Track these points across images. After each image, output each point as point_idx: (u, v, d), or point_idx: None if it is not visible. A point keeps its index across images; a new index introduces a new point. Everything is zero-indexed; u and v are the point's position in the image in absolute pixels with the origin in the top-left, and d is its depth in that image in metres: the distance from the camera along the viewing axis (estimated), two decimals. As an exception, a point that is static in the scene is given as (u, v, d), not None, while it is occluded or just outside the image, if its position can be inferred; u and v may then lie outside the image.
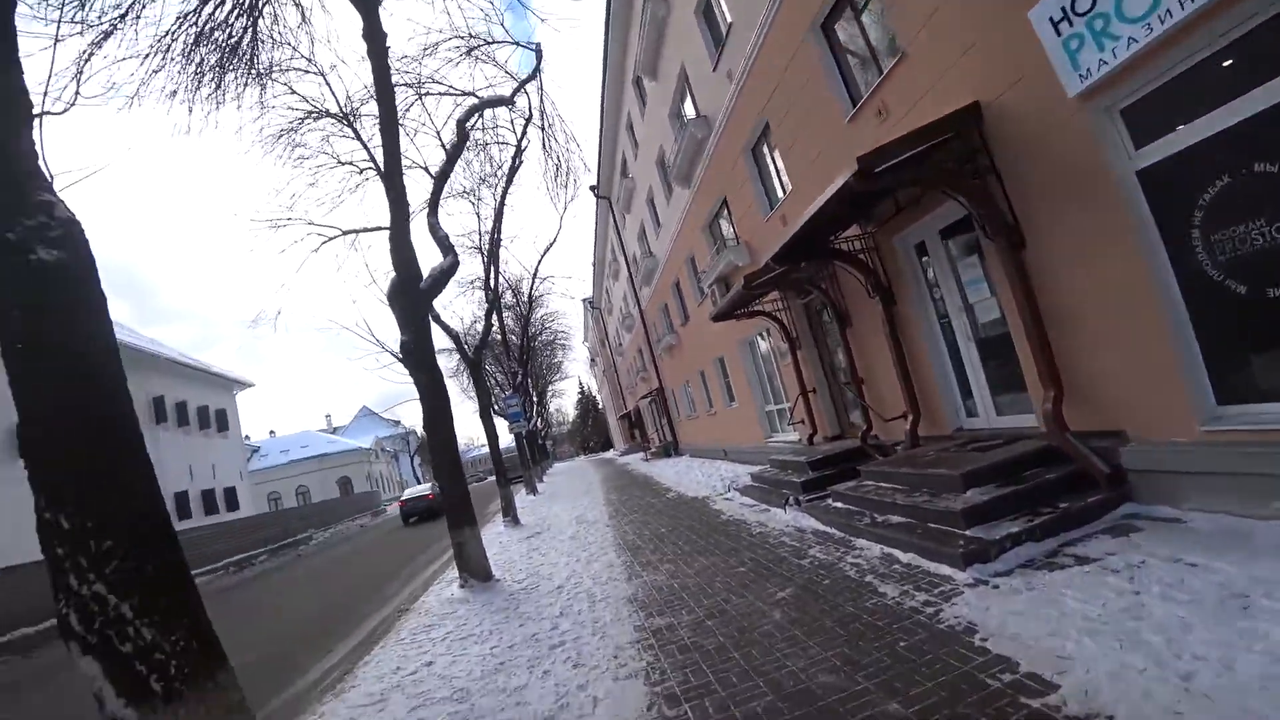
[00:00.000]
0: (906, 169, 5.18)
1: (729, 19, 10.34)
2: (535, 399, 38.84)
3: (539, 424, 42.57)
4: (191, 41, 7.88)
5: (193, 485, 26.39)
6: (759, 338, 12.99)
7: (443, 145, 11.50)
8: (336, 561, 17.25)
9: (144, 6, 7.09)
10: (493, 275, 16.32)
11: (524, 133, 13.35)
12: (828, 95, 7.63)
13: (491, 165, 14.40)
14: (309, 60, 10.15)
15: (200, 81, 8.29)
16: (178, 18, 7.68)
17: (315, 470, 52.39)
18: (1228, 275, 3.86)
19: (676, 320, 20.03)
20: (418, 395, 7.95)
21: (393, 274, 8.03)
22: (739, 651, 3.84)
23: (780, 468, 9.31)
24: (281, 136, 10.97)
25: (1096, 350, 4.79)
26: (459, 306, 47.25)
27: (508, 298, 25.16)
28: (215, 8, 7.79)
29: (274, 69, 9.54)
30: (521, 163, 13.96)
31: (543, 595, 6.42)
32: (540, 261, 28.65)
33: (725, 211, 12.94)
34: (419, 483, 38.04)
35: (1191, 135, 3.87)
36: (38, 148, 2.80)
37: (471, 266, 22.65)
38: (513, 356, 25.71)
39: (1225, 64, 3.68)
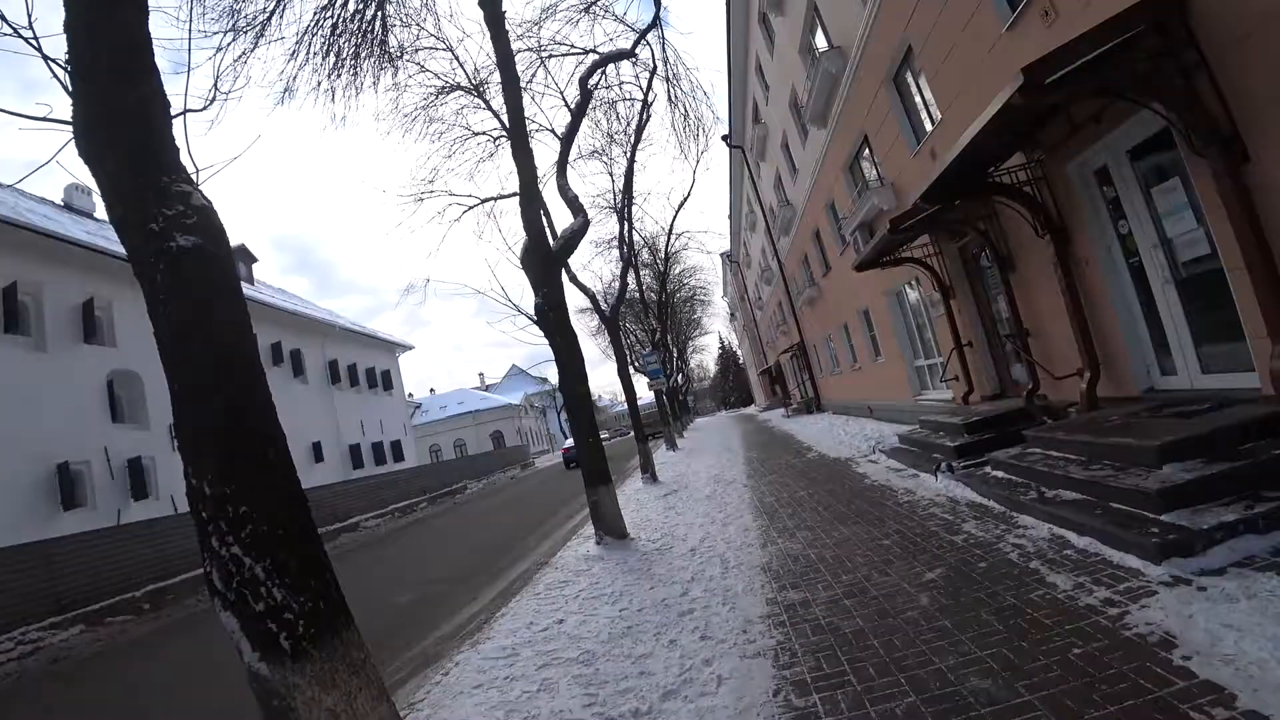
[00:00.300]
0: (1085, 76, 4.33)
1: (865, -68, 9.32)
2: (675, 355, 38.98)
3: (679, 380, 42.78)
4: (329, 33, 8.26)
5: (364, 439, 29.04)
6: (907, 287, 12.00)
7: (567, 106, 11.42)
8: (488, 511, 18.36)
9: (285, 8, 7.48)
10: (627, 233, 16.23)
11: (649, 86, 13.00)
12: (980, 2, 6.63)
13: (620, 122, 14.21)
14: (436, 37, 10.34)
15: (340, 71, 8.70)
16: (315, 13, 8.07)
17: (470, 425, 56.14)
18: None
19: (817, 271, 19.06)
20: (554, 357, 8.04)
21: (524, 238, 8.11)
22: (879, 639, 3.47)
23: (931, 429, 8.57)
24: (418, 114, 11.39)
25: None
26: (597, 266, 48.18)
27: (644, 255, 25.14)
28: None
29: (404, 51, 9.86)
30: (649, 117, 13.65)
31: (676, 557, 6.33)
32: (675, 217, 28.17)
33: (866, 150, 11.92)
34: (566, 437, 40.15)
35: None
36: (179, 143, 2.93)
37: (608, 226, 22.77)
38: (651, 313, 25.74)
39: None
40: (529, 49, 11.08)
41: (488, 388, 69.05)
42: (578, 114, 9.75)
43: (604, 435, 38.02)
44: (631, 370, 27.26)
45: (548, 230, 10.55)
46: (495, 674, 4.23)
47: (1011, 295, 7.57)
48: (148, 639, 9.73)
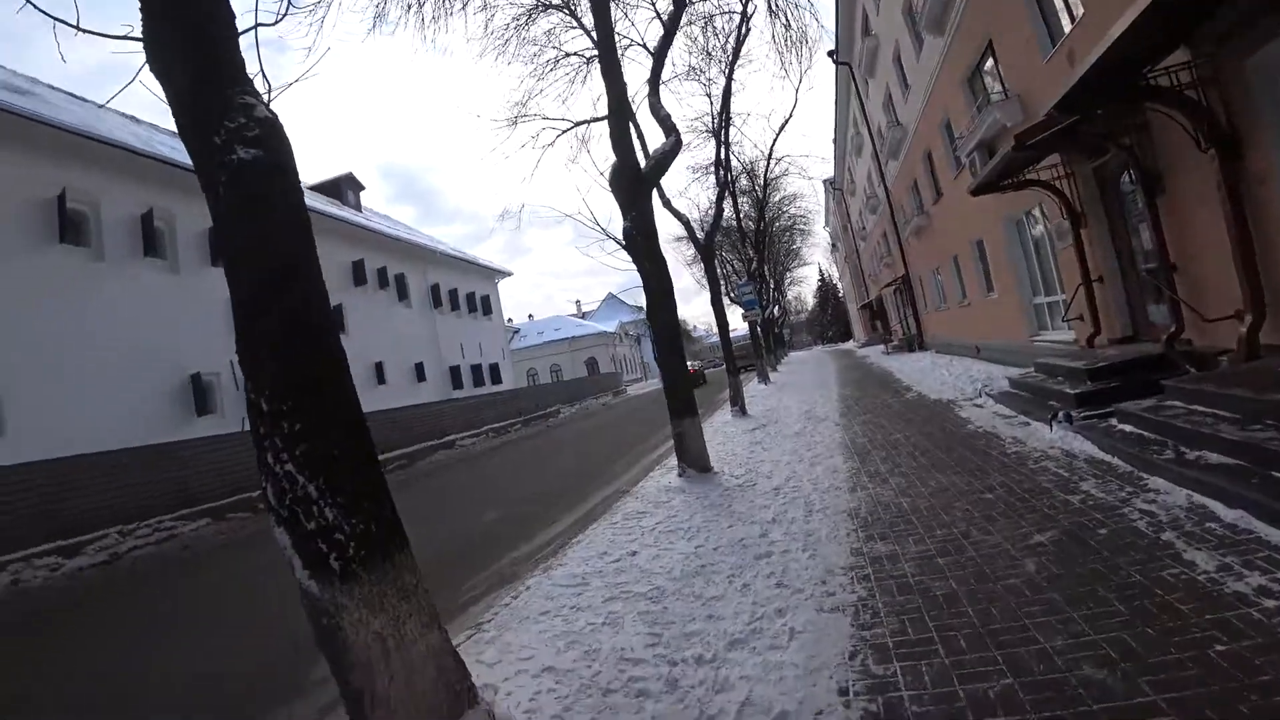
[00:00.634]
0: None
1: None
2: (771, 286, 37.86)
3: (774, 313, 41.72)
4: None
5: (464, 361, 30.09)
6: (1028, 215, 10.82)
7: (660, 18, 10.68)
8: (578, 435, 18.70)
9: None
10: (724, 157, 15.46)
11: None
12: None
13: (718, 38, 13.31)
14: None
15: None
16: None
17: (566, 351, 57.26)
18: None
19: (927, 198, 17.64)
20: (641, 283, 7.76)
21: (613, 159, 7.75)
22: (974, 606, 3.10)
23: (1048, 373, 7.79)
24: (509, 35, 11.01)
25: None
26: (694, 193, 46.75)
27: (743, 182, 24.12)
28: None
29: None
30: (748, 31, 12.73)
31: (758, 495, 6.08)
32: (775, 141, 26.76)
33: (990, 59, 10.61)
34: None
35: None
36: (251, 61, 3.03)
37: (705, 151, 21.85)
38: (748, 243, 24.87)
39: None
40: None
41: (584, 315, 70.00)
42: (670, 27, 9.10)
43: (696, 365, 38.40)
44: (726, 301, 26.73)
45: (639, 151, 10.14)
46: (563, 602, 4.17)
47: (1158, 223, 6.56)
48: (261, 535, 10.53)
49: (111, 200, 14.75)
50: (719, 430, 11.12)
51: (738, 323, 27.24)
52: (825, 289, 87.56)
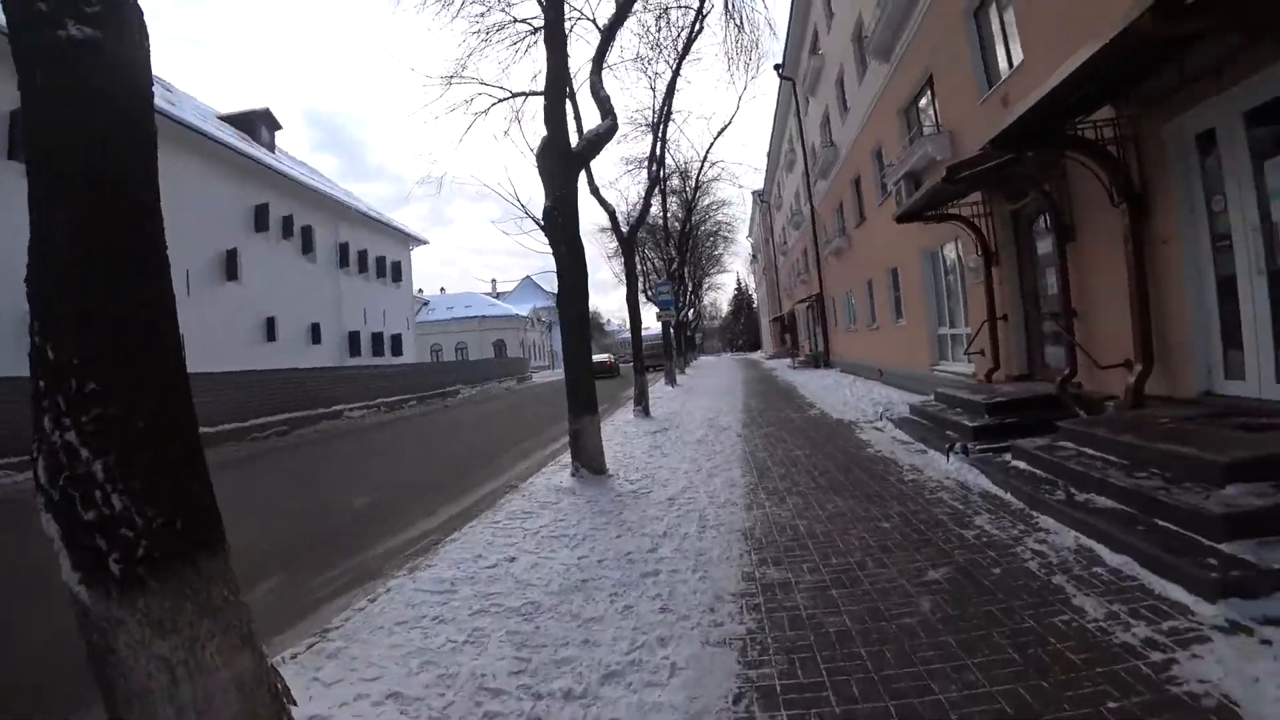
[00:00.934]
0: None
1: None
2: (689, 289, 38.05)
3: (689, 315, 42.01)
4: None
5: (365, 328, 28.68)
6: (945, 249, 11.12)
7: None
8: (475, 418, 18.02)
9: None
10: (660, 150, 15.18)
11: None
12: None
13: (672, 31, 13.03)
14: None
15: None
16: None
17: (475, 330, 55.62)
18: None
19: (850, 221, 18.04)
20: (555, 268, 7.34)
21: (545, 133, 7.30)
22: (867, 647, 2.93)
23: (947, 404, 7.94)
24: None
25: None
26: (624, 185, 46.44)
27: (674, 182, 23.99)
28: None
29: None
30: (702, 30, 12.51)
31: (651, 504, 5.81)
32: (712, 144, 26.89)
33: (928, 93, 10.84)
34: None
35: None
36: None
37: (641, 146, 21.55)
38: (672, 242, 24.78)
39: None
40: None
41: (498, 295, 68.30)
42: (625, 4, 8.70)
43: (611, 357, 38.45)
44: (643, 299, 26.54)
45: (573, 131, 9.72)
46: (425, 611, 3.74)
47: (1065, 269, 6.77)
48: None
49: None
50: (619, 430, 10.85)
51: (652, 321, 27.17)
52: (741, 298, 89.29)
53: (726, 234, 40.54)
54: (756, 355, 53.96)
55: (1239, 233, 4.88)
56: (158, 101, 16.90)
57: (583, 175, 13.23)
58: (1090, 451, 4.80)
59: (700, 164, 21.17)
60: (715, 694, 2.67)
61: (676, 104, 14.88)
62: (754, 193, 45.20)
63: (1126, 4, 3.82)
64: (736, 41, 11.84)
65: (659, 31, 12.96)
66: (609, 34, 8.58)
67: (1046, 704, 2.36)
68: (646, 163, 15.81)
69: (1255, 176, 4.71)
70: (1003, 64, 8.14)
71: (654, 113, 14.63)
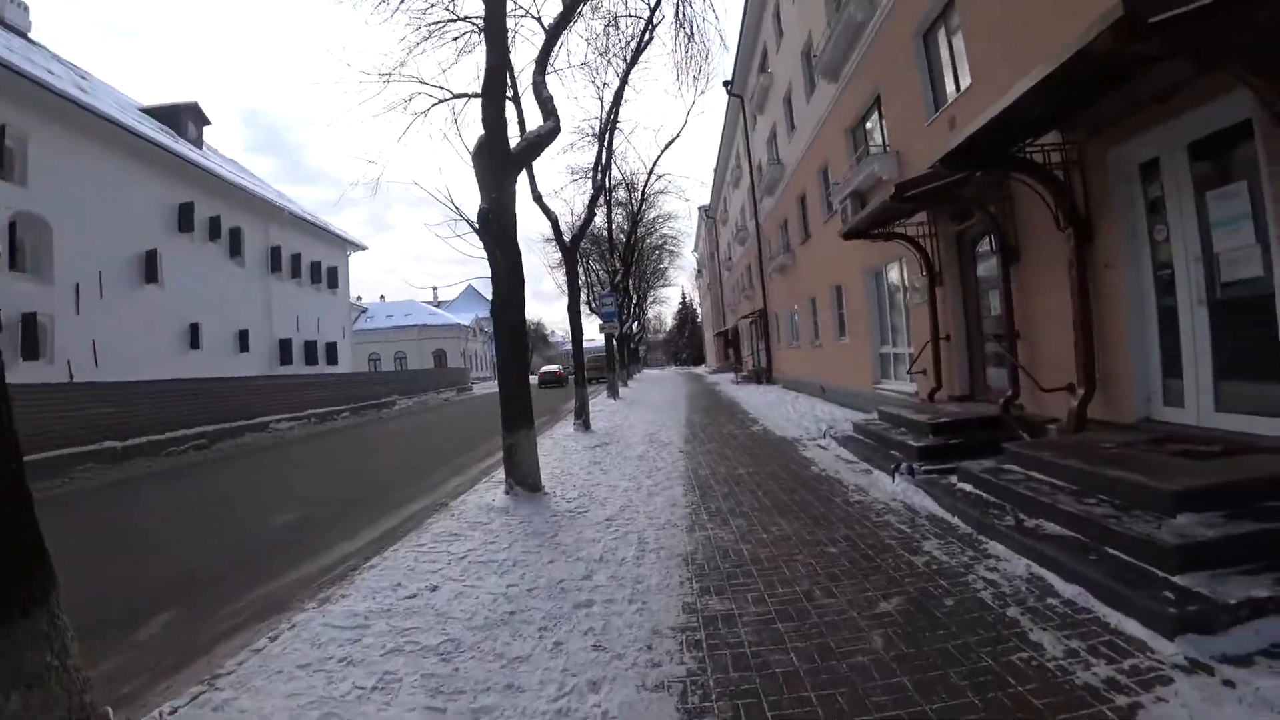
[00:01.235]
0: (1215, 23, 3.38)
1: None
2: (634, 301, 37.91)
3: (633, 328, 41.87)
4: None
5: (298, 335, 27.42)
6: (889, 268, 11.19)
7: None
8: (409, 431, 17.31)
9: None
10: (606, 161, 14.94)
11: (658, 2, 11.73)
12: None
13: (621, 39, 12.84)
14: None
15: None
16: None
17: (414, 339, 54.14)
18: None
19: (795, 239, 18.17)
20: (490, 274, 6.95)
21: (483, 132, 6.94)
22: (818, 691, 2.68)
23: (891, 422, 7.87)
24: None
25: None
26: (569, 194, 45.87)
27: (620, 194, 23.81)
28: None
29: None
30: (651, 39, 12.38)
31: (588, 526, 5.48)
32: (659, 156, 26.73)
33: (876, 113, 10.93)
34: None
35: None
36: None
37: (588, 156, 21.31)
38: (617, 254, 24.57)
39: None
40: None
41: (440, 304, 66.77)
42: (572, 3, 8.42)
43: (559, 368, 38.08)
44: (587, 310, 26.21)
45: (517, 135, 9.39)
46: (332, 651, 3.33)
47: (1009, 291, 6.79)
48: None
49: None
50: (559, 444, 10.49)
51: (595, 333, 26.87)
52: (685, 312, 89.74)
53: (672, 248, 40.63)
54: (700, 369, 54.18)
55: (1180, 262, 4.91)
56: (66, 87, 15.96)
57: (525, 181, 12.91)
58: (1037, 475, 4.71)
59: (647, 176, 21.07)
60: (651, 750, 2.38)
61: (626, 115, 14.72)
62: (700, 208, 45.58)
63: (1072, 34, 3.79)
64: (686, 51, 11.72)
65: (608, 38, 12.77)
66: (554, 34, 8.31)
67: (1012, 758, 2.15)
68: (591, 172, 15.57)
69: (1197, 207, 4.74)
70: (950, 87, 8.21)
71: (601, 121, 14.40)
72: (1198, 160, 4.74)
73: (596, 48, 13.19)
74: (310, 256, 29.45)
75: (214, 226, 22.22)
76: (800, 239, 17.54)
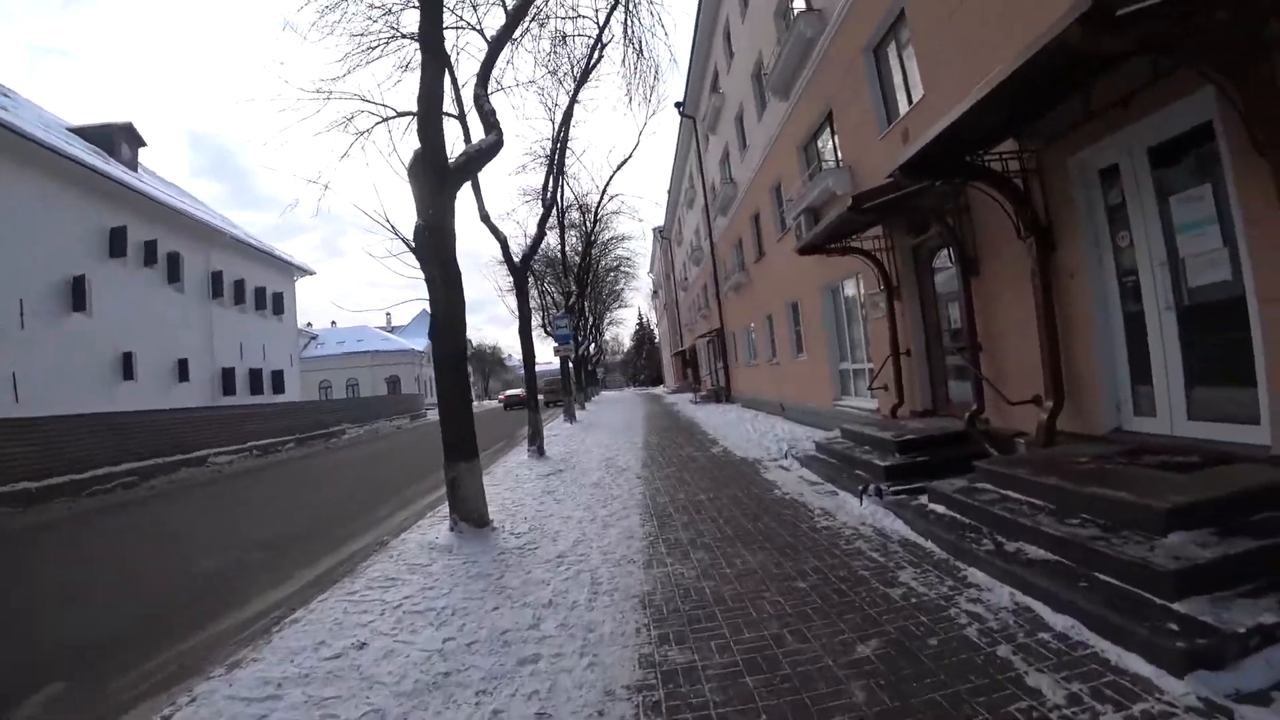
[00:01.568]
0: (1180, 16, 3.22)
1: None
2: (590, 323, 37.55)
3: (590, 350, 41.52)
4: None
5: (241, 364, 26.23)
6: (846, 283, 11.06)
7: (503, 3, 9.77)
8: (358, 461, 16.50)
9: None
10: (553, 180, 14.61)
11: (607, 19, 11.55)
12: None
13: (570, 61, 12.61)
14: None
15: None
16: None
17: (367, 366, 52.65)
18: None
19: (750, 257, 18.08)
20: (427, 295, 6.49)
21: (419, 146, 6.54)
22: (794, 760, 2.31)
23: (855, 440, 7.63)
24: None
25: None
26: (522, 216, 45.13)
27: (574, 214, 23.53)
28: None
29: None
30: (601, 58, 12.19)
31: (537, 564, 5.03)
32: (612, 176, 26.51)
33: (828, 128, 10.85)
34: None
35: None
36: None
37: (541, 176, 20.94)
38: (571, 275, 24.21)
39: None
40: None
41: (393, 329, 65.25)
42: (515, 15, 8.10)
43: (521, 392, 37.67)
44: (544, 332, 25.71)
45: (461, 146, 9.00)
46: (229, 731, 2.83)
47: (970, 303, 6.62)
48: None
49: None
50: (510, 472, 9.99)
51: (551, 356, 26.39)
52: (642, 333, 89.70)
53: (628, 269, 40.54)
54: (659, 390, 53.91)
55: (1145, 268, 4.76)
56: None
57: (472, 201, 12.48)
58: (1014, 495, 4.45)
59: (600, 196, 20.85)
60: None
61: (579, 135, 14.49)
62: (655, 229, 45.67)
63: (1023, 43, 3.64)
64: (636, 68, 11.55)
65: (557, 57, 12.51)
66: (497, 45, 7.96)
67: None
68: (541, 191, 15.25)
69: (1161, 212, 4.61)
70: (902, 100, 8.12)
71: (552, 139, 14.11)
72: (1159, 165, 4.61)
73: (546, 66, 12.89)
74: (255, 282, 28.31)
75: (149, 251, 21.09)
76: (755, 257, 17.45)
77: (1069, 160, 5.23)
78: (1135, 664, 2.70)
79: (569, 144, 14.82)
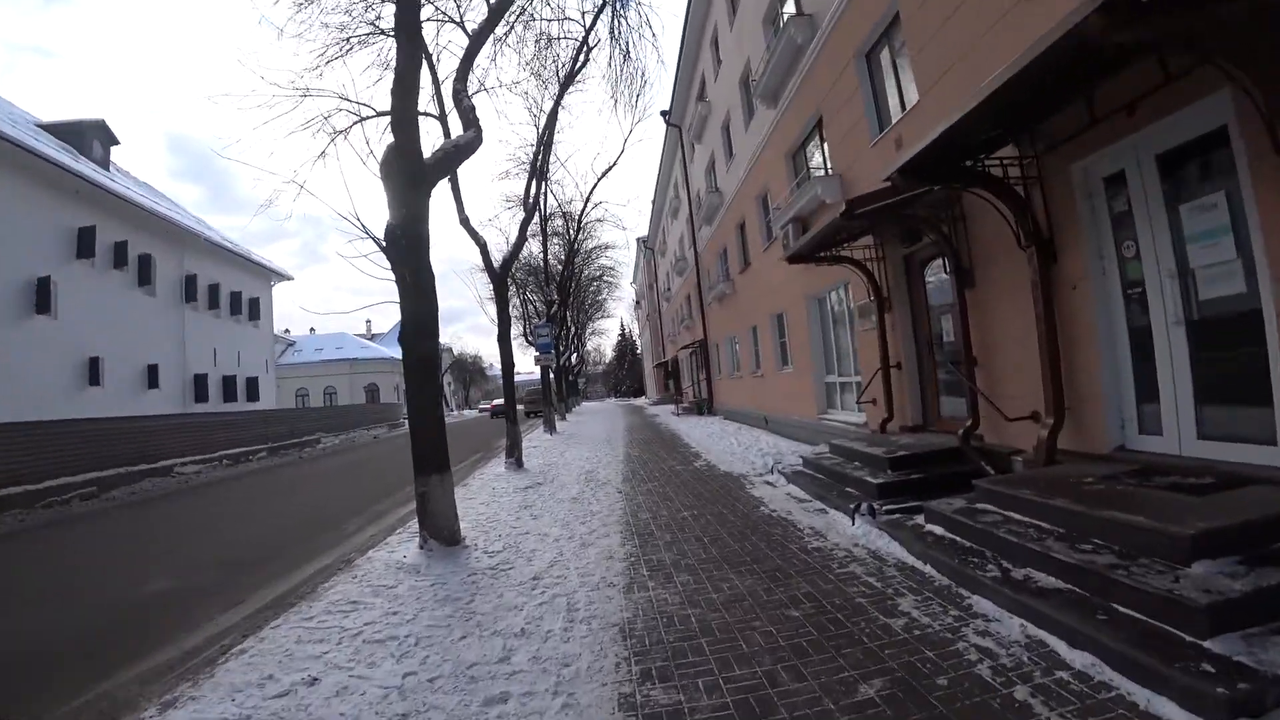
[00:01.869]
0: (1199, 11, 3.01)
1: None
2: (573, 333, 37.19)
3: (572, 360, 41.14)
4: None
5: (215, 370, 25.56)
6: (833, 294, 10.86)
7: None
8: (331, 472, 15.99)
9: None
10: (535, 186, 14.29)
11: (594, 21, 11.37)
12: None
13: (556, 65, 12.38)
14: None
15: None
16: None
17: (346, 373, 51.82)
18: None
19: (735, 267, 17.88)
20: (397, 296, 6.13)
21: (391, 140, 6.23)
22: (795, 828, 2.00)
23: (845, 456, 7.37)
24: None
25: None
26: (504, 222, 44.50)
27: (557, 222, 23.22)
28: None
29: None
30: (587, 61, 12.01)
31: (510, 588, 4.68)
32: (596, 184, 26.20)
33: (818, 136, 10.67)
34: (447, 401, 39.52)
35: None
36: None
37: (524, 184, 20.66)
38: (554, 284, 23.86)
39: None
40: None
41: (372, 336, 64.40)
42: (498, 9, 7.83)
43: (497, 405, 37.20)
44: (525, 341, 25.35)
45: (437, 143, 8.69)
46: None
47: (965, 315, 6.40)
48: None
49: None
50: (487, 485, 9.62)
51: (532, 365, 25.98)
52: (625, 344, 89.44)
53: (610, 279, 40.29)
54: (641, 401, 53.60)
55: (1152, 280, 4.55)
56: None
57: (451, 204, 12.15)
58: (1018, 517, 4.20)
59: (584, 203, 20.58)
60: None
61: (563, 141, 14.25)
62: (639, 239, 45.51)
63: (1022, 46, 3.44)
64: (622, 70, 11.34)
65: (542, 60, 12.27)
66: (479, 39, 7.69)
67: None
68: (524, 196, 14.95)
69: (1170, 221, 4.40)
70: (895, 106, 7.93)
71: (536, 143, 13.84)
72: (1168, 172, 4.41)
73: (530, 69, 12.67)
74: (230, 286, 27.68)
75: (119, 253, 20.44)
76: (740, 267, 17.25)
77: (1072, 167, 5.03)
78: (1169, 710, 2.43)
79: (553, 149, 14.60)
